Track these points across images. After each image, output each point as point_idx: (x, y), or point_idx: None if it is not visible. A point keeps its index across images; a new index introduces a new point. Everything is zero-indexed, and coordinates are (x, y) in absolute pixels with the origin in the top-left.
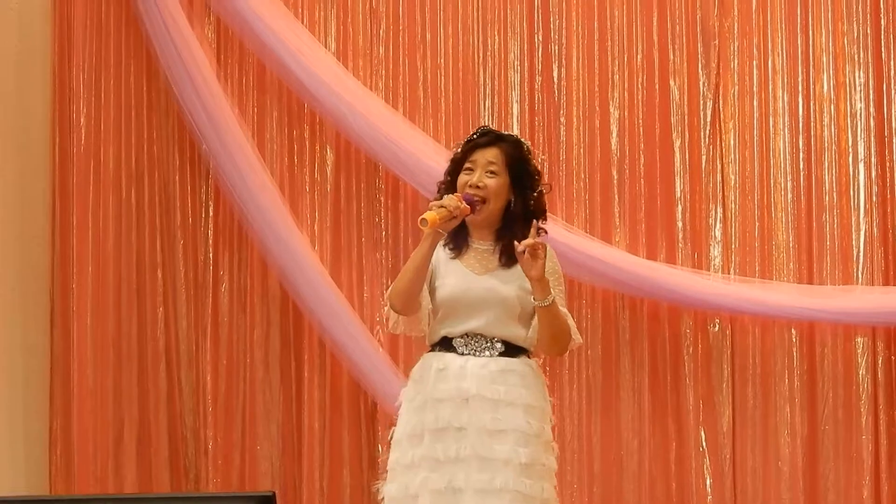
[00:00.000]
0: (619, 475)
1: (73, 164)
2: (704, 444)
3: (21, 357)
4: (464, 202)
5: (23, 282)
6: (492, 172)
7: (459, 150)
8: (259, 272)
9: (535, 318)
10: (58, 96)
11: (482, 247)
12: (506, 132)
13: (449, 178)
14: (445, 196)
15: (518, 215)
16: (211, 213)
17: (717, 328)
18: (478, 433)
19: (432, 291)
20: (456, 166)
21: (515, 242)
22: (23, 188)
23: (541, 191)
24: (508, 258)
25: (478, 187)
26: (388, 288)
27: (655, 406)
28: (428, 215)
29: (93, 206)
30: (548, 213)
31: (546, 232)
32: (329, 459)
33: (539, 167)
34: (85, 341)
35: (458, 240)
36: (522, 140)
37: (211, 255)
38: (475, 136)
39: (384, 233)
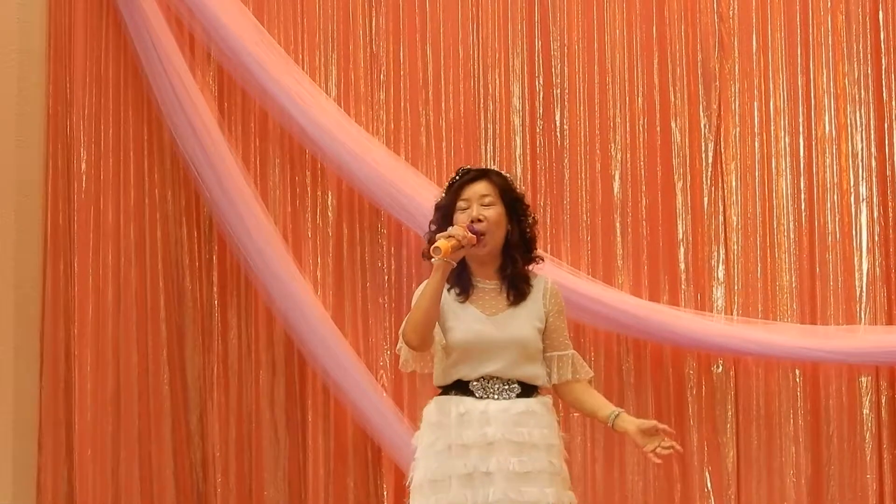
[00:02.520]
0: None
1: (74, 212)
2: (709, 485)
3: (12, 407)
4: (469, 232)
5: (21, 330)
6: (487, 204)
7: (443, 196)
8: (264, 319)
9: (587, 405)
10: (58, 144)
11: (488, 286)
12: (485, 167)
13: (435, 228)
14: (451, 227)
15: (517, 244)
16: (215, 261)
17: (720, 369)
18: (505, 477)
19: (443, 332)
20: (445, 211)
21: (659, 429)
22: (23, 236)
23: (534, 218)
24: (516, 296)
25: (479, 220)
26: (391, 333)
27: None
28: (440, 243)
29: (93, 254)
30: (553, 258)
31: (542, 260)
32: None
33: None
34: (85, 390)
35: (463, 281)
36: (504, 172)
37: (216, 302)
38: (458, 177)
39: (387, 277)
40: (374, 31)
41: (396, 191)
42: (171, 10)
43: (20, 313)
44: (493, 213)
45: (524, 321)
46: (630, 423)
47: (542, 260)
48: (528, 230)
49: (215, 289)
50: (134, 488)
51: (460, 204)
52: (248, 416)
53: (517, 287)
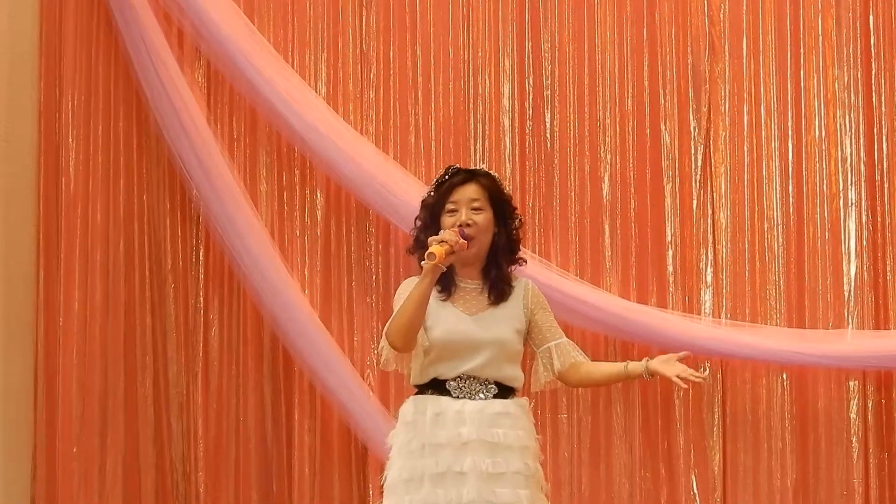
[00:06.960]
0: None
1: (63, 209)
2: (696, 488)
3: (2, 405)
4: (460, 237)
5: (8, 327)
6: (477, 209)
7: (432, 193)
8: (249, 316)
9: (601, 370)
10: (48, 142)
11: (470, 286)
12: (474, 168)
13: (422, 224)
14: (442, 231)
15: (503, 248)
16: (201, 258)
17: (707, 372)
18: (479, 477)
19: (424, 330)
20: (433, 210)
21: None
22: (12, 234)
23: (520, 220)
24: (497, 296)
25: (468, 225)
26: (378, 332)
27: (646, 450)
28: (435, 249)
29: (80, 251)
30: (542, 259)
31: (525, 262)
32: None
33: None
34: (70, 386)
35: (446, 280)
36: (492, 172)
37: (201, 299)
38: (447, 177)
39: (374, 277)
40: (364, 31)
41: (385, 190)
42: (161, 6)
43: (10, 312)
44: (482, 218)
45: (504, 322)
46: (659, 362)
47: (525, 262)
48: (514, 232)
49: (201, 286)
50: (118, 488)
51: (449, 206)
52: (234, 414)
53: (499, 287)
